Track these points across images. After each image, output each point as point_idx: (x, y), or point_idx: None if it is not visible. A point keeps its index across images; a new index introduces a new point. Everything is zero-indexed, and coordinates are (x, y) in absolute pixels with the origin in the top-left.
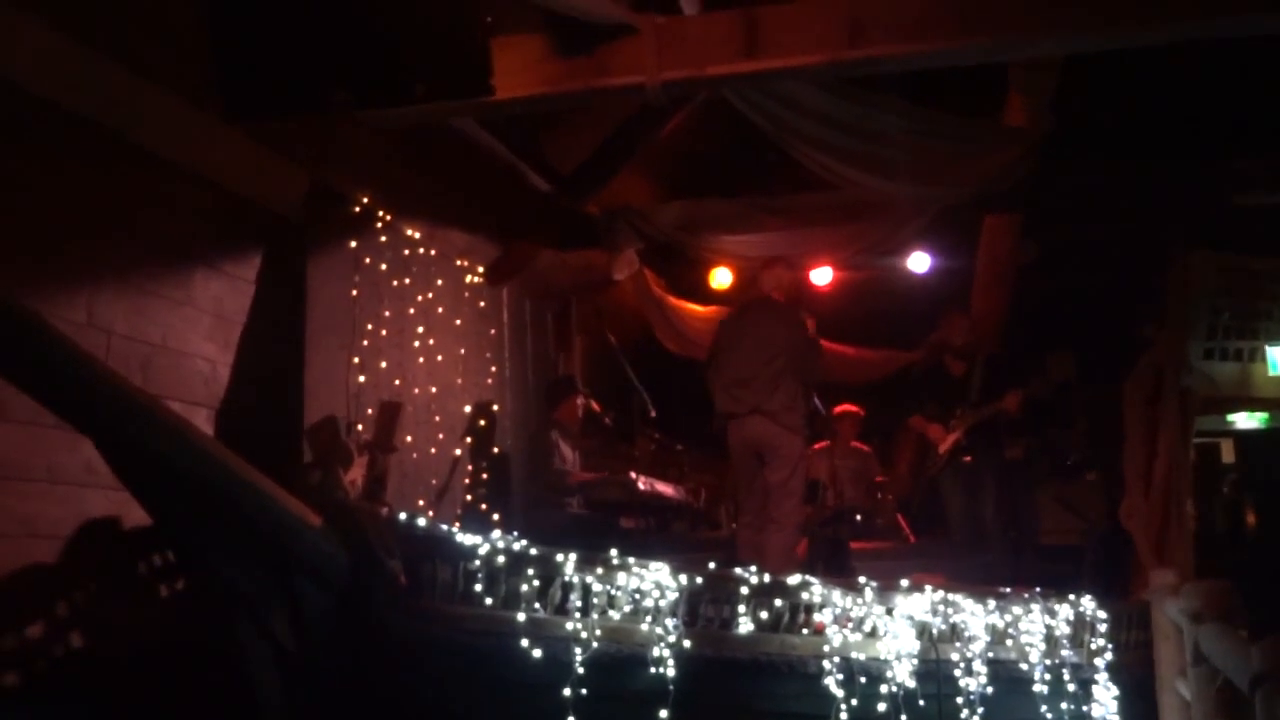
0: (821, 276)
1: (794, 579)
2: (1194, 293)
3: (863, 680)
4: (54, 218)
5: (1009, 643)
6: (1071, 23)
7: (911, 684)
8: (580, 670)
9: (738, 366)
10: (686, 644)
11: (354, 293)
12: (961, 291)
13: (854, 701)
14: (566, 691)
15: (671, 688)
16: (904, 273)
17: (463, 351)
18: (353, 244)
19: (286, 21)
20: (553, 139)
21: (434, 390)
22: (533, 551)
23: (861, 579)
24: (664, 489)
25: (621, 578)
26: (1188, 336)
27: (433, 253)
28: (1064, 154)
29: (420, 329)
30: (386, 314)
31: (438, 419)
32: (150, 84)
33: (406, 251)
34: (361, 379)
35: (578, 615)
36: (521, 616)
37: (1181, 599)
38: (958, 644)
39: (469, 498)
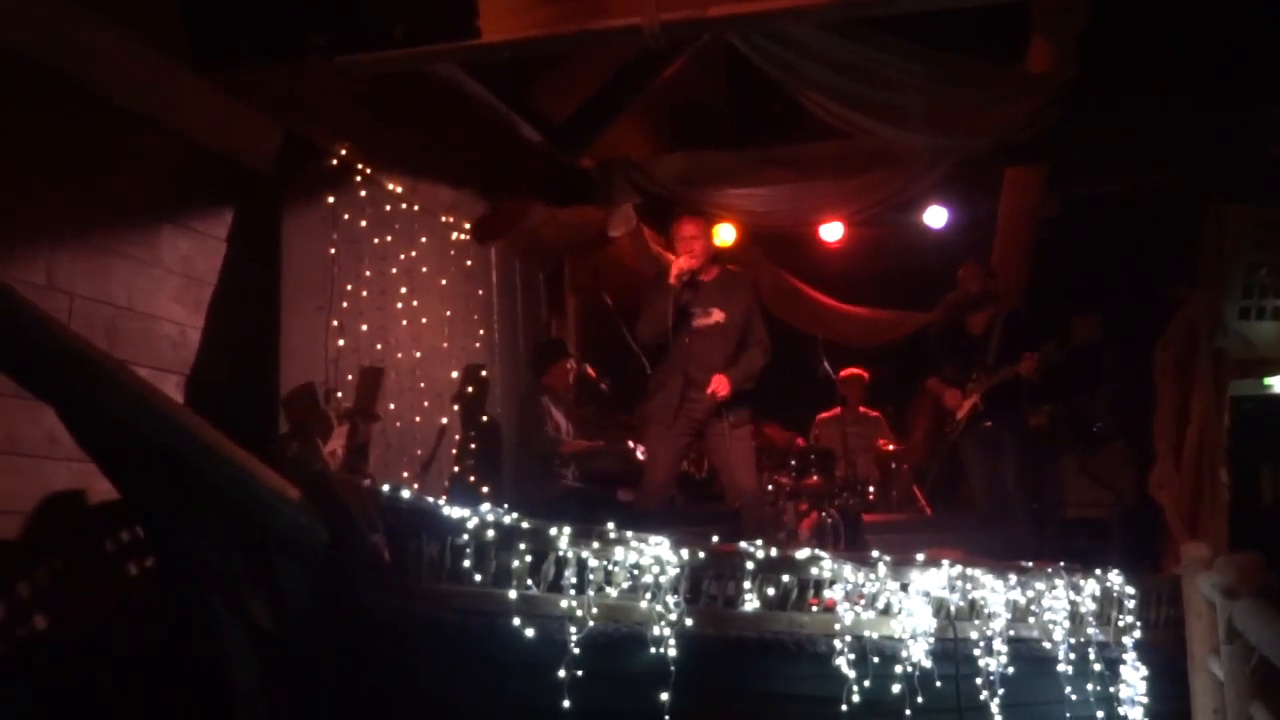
0: (832, 232)
1: (803, 553)
2: (1229, 248)
3: (876, 660)
4: (10, 173)
5: (1031, 620)
6: None
7: (927, 664)
8: (576, 650)
9: None
10: (688, 622)
11: (332, 251)
12: (981, 249)
13: (866, 683)
14: (561, 673)
15: (672, 669)
16: (920, 229)
17: (449, 314)
18: (330, 199)
19: None
20: (545, 87)
21: (418, 355)
22: (525, 525)
23: (875, 553)
24: None
25: (619, 553)
26: (1222, 295)
27: (416, 208)
28: (1090, 102)
29: (403, 290)
30: (367, 274)
31: (423, 385)
32: (114, 30)
33: (388, 207)
34: (341, 343)
35: (573, 592)
36: (513, 594)
37: (1215, 573)
38: (977, 622)
39: (457, 469)
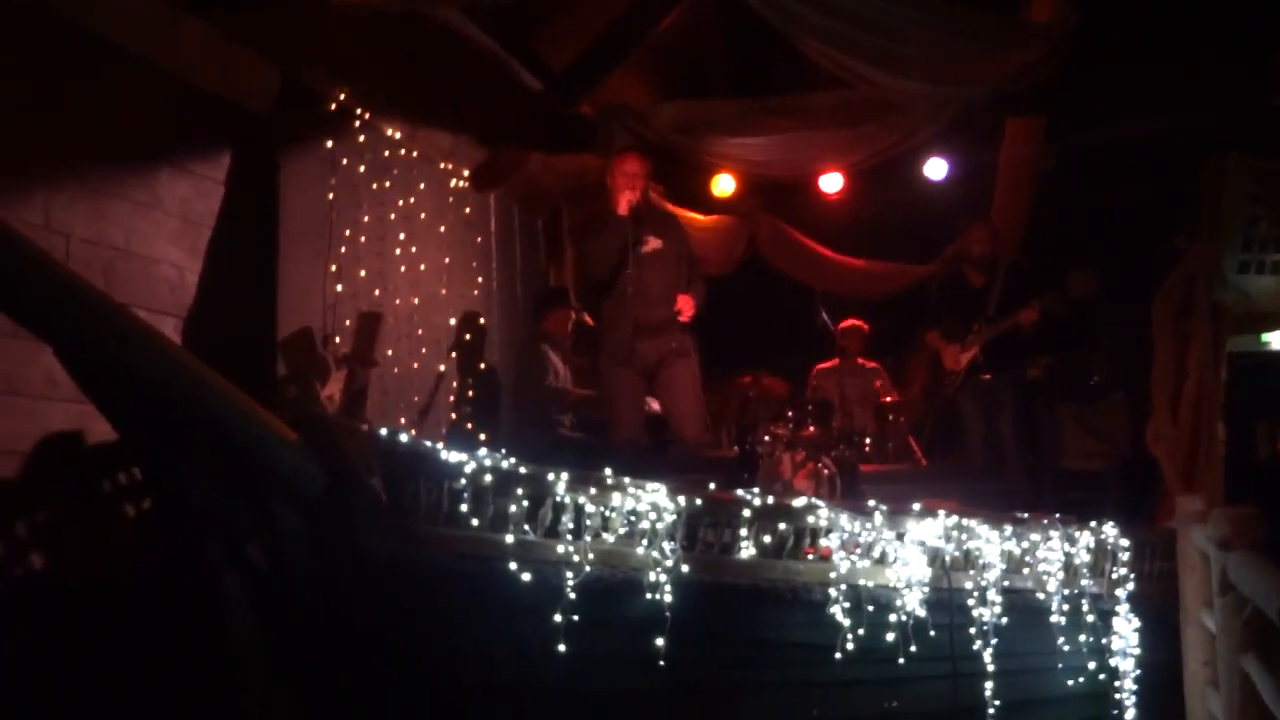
0: (831, 183)
1: (799, 501)
2: (1228, 201)
3: (870, 609)
4: (8, 114)
5: (1026, 571)
6: None
7: (922, 613)
8: (572, 595)
9: None
10: (684, 569)
11: (330, 196)
12: (981, 200)
13: (861, 631)
14: (558, 617)
15: (668, 614)
16: (919, 180)
17: (447, 260)
18: (329, 144)
19: None
20: (545, 33)
21: (416, 301)
22: (522, 470)
23: (871, 502)
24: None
25: (616, 499)
26: (1221, 248)
27: (414, 154)
28: (1090, 51)
29: (401, 236)
30: (365, 219)
31: (420, 332)
32: None
33: (386, 153)
34: (339, 288)
35: (569, 538)
36: (510, 539)
37: (1209, 526)
38: (971, 572)
39: (454, 416)
